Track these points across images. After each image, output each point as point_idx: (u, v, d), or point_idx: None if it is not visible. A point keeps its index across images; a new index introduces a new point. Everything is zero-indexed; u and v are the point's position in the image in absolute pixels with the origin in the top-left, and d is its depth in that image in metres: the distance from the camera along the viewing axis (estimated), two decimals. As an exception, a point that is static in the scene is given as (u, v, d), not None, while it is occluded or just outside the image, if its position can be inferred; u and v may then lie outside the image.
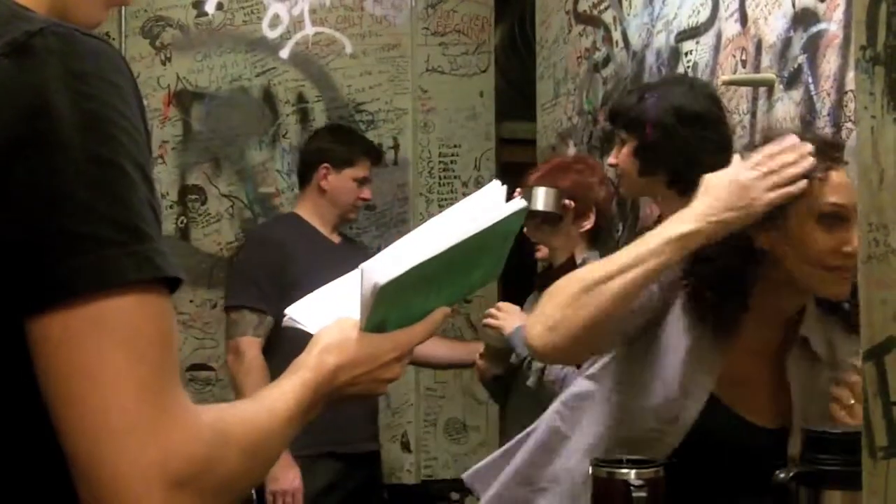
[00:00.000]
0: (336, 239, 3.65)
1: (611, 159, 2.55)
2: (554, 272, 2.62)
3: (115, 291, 0.83)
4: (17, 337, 0.84)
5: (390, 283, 1.16)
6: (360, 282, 1.19)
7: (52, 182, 0.83)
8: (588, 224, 2.81)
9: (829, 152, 1.84)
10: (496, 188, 1.31)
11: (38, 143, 0.84)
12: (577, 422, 2.01)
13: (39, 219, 0.83)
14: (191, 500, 0.85)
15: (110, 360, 0.83)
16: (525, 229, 2.63)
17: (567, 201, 2.72)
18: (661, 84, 2.58)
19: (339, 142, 3.70)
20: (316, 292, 1.39)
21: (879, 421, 1.07)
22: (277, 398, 1.08)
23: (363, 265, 1.20)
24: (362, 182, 3.63)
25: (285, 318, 1.37)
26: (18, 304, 0.83)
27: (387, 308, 1.20)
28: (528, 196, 2.62)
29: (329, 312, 1.27)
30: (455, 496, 4.53)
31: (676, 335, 1.89)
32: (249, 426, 0.98)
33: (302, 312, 1.36)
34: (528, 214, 2.37)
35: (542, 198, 2.66)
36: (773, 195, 1.75)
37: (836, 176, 1.80)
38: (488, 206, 1.28)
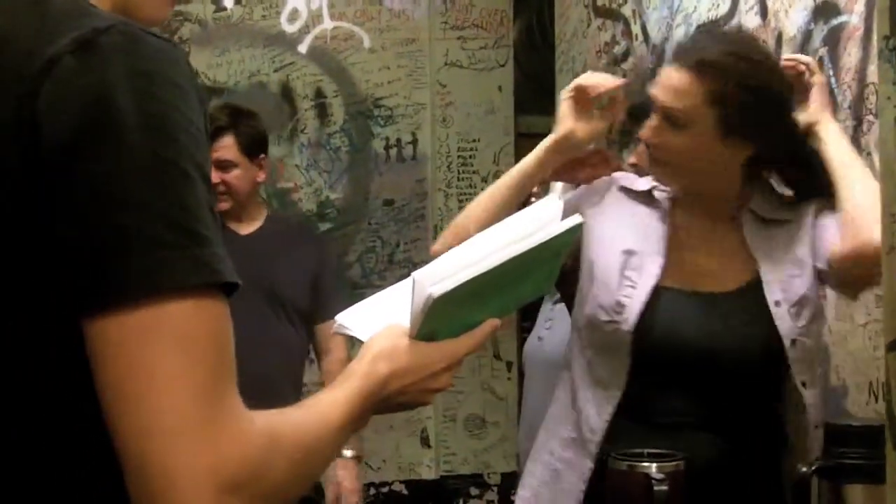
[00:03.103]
0: (249, 228, 3.16)
1: (631, 159, 2.57)
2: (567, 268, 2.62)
3: (173, 295, 0.83)
4: (74, 335, 0.84)
5: (444, 295, 1.16)
6: (411, 290, 1.19)
7: (113, 182, 0.83)
8: None
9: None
10: (553, 203, 1.31)
11: (100, 142, 0.83)
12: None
13: (99, 218, 0.83)
14: None
15: (166, 362, 0.83)
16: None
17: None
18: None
19: None
20: (366, 299, 1.37)
21: (902, 413, 1.05)
22: (328, 405, 1.07)
23: (415, 274, 1.19)
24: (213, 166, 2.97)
25: (335, 325, 1.35)
26: (76, 304, 0.84)
27: (438, 319, 1.19)
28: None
29: (379, 319, 1.26)
30: (475, 492, 4.53)
31: (610, 236, 2.01)
32: (300, 434, 0.97)
33: (352, 319, 1.35)
34: None
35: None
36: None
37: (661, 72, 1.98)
38: (544, 221, 1.28)
